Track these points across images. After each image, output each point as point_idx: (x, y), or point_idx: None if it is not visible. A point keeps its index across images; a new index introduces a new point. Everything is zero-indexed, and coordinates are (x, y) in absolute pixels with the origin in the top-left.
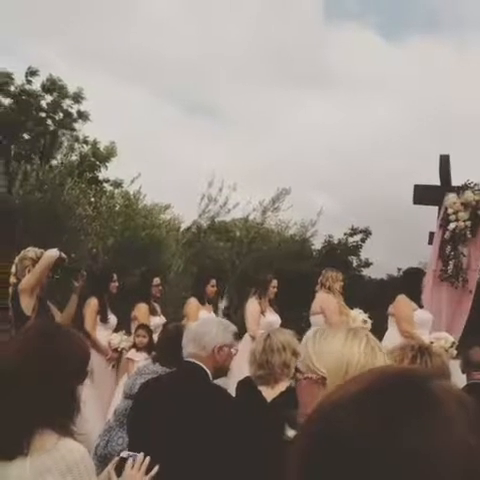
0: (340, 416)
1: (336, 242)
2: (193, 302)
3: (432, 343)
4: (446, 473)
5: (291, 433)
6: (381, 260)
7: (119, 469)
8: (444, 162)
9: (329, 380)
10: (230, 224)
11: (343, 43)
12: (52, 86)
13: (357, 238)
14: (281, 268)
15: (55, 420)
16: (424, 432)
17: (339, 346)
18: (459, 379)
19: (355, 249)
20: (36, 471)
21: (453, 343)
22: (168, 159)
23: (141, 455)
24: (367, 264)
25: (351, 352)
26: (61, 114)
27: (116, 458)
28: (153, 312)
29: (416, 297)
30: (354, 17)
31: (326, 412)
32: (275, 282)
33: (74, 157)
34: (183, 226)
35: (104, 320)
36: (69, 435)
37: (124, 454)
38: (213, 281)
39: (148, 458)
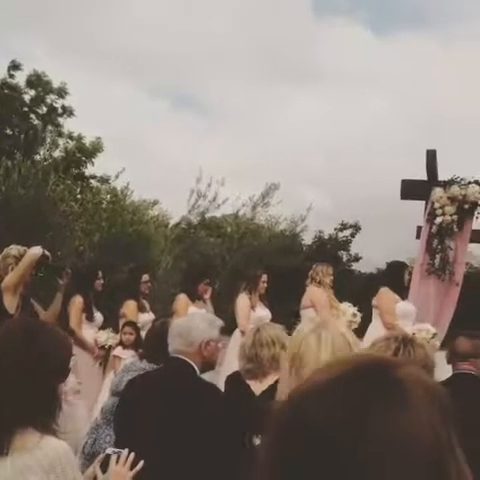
0: (309, 405)
1: (326, 237)
2: (182, 298)
3: (414, 334)
4: (410, 461)
5: (257, 441)
6: (370, 254)
7: (105, 466)
8: (431, 157)
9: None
10: (220, 220)
11: (332, 39)
12: (37, 81)
13: (347, 233)
14: (271, 263)
15: (37, 418)
16: (390, 421)
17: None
18: (445, 370)
19: (345, 244)
20: (17, 470)
21: (434, 334)
22: (156, 155)
23: (126, 451)
24: (357, 259)
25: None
26: (44, 109)
27: (101, 455)
28: (142, 309)
29: (399, 289)
30: (343, 13)
31: (296, 402)
32: (265, 277)
33: (59, 153)
34: (171, 222)
35: (90, 318)
36: (51, 433)
37: (109, 451)
38: (206, 280)
39: (133, 454)
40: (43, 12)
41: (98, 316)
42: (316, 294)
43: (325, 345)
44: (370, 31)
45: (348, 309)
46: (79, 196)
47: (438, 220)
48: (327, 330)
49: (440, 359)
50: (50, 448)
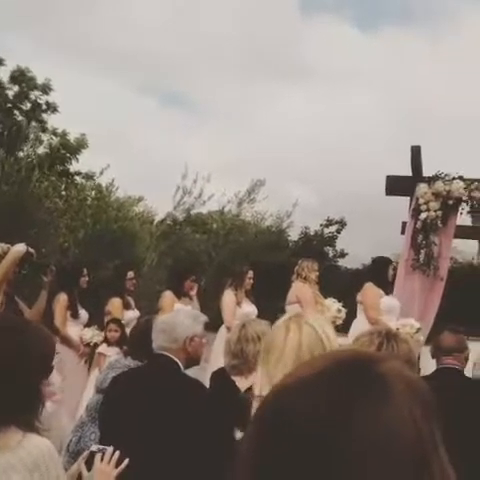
0: (291, 402)
1: (312, 233)
2: (168, 295)
3: (398, 329)
4: (394, 458)
5: (239, 435)
6: (356, 250)
7: (89, 463)
8: (415, 153)
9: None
10: (206, 216)
11: (320, 36)
12: (21, 77)
13: (333, 229)
14: (257, 259)
15: (19, 417)
16: (373, 417)
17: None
18: (430, 365)
19: (331, 240)
20: (0, 469)
21: (418, 329)
22: (141, 151)
23: (111, 448)
24: (342, 254)
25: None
26: (28, 105)
27: (86, 452)
28: (127, 306)
29: (383, 285)
30: (330, 10)
31: (276, 397)
32: (251, 273)
33: (43, 149)
34: (157, 219)
35: (75, 315)
36: (34, 431)
37: (94, 448)
38: (192, 277)
39: (118, 452)
40: (33, 9)
41: (83, 313)
42: (302, 290)
43: (293, 335)
44: (357, 28)
45: (333, 305)
46: (64, 193)
47: (423, 216)
48: (297, 322)
49: (426, 354)
50: (33, 446)
